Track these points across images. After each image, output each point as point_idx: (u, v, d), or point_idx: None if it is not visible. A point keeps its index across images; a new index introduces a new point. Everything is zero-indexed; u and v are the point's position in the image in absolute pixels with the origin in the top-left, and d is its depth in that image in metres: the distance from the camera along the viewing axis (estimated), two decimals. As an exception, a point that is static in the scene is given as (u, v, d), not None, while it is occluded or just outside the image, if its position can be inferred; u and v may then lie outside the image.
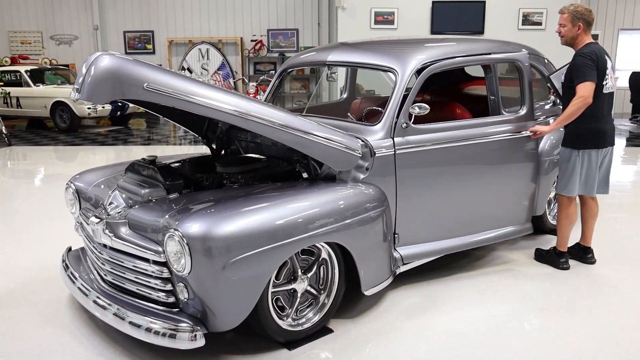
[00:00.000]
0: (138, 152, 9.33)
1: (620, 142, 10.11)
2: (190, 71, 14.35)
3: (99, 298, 2.93)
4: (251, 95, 7.77)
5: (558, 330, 3.14)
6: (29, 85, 11.75)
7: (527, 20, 11.98)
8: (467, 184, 3.72)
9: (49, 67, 13.08)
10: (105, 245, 2.94)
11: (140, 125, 12.90)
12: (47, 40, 14.93)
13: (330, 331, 3.09)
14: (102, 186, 3.42)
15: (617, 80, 11.37)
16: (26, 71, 11.94)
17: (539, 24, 11.96)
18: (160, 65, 2.98)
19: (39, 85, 11.79)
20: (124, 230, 2.86)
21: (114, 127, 12.22)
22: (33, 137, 11.01)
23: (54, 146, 9.98)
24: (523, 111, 4.05)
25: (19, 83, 11.83)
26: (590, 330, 3.14)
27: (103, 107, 11.32)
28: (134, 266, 2.80)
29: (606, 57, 3.71)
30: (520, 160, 4.02)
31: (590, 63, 3.59)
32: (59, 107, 11.36)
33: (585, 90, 3.58)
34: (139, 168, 3.26)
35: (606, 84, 3.72)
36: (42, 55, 14.60)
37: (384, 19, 12.02)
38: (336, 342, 3.00)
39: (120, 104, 11.54)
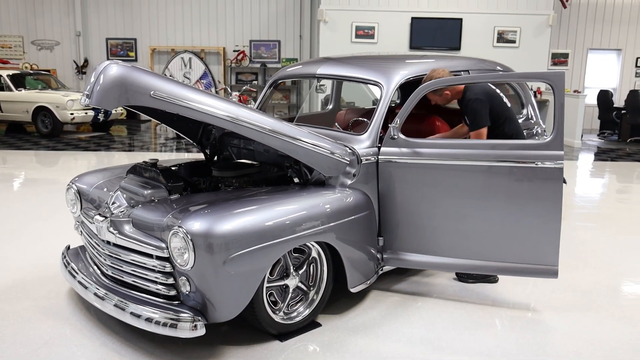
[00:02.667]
0: (120, 159, 9.44)
1: (589, 157, 10.58)
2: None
3: (99, 289, 3.11)
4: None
5: (529, 327, 3.41)
6: (10, 90, 11.76)
7: (501, 37, 12.47)
8: (453, 205, 3.51)
9: (31, 72, 13.09)
10: (108, 242, 3.12)
11: (121, 132, 12.98)
12: (28, 45, 14.92)
13: (319, 325, 3.32)
14: (104, 188, 3.59)
15: (586, 98, 11.94)
16: (8, 75, 11.94)
17: (513, 41, 12.46)
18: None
19: (20, 90, 11.81)
20: (127, 228, 3.05)
21: (95, 134, 12.28)
22: (14, 141, 11.02)
23: (35, 151, 10.02)
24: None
25: (0, 87, 11.82)
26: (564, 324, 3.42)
27: (86, 113, 11.40)
28: (136, 261, 2.99)
29: None
30: (515, 193, 3.43)
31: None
32: (41, 112, 11.39)
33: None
34: (141, 170, 3.45)
35: None
36: (22, 60, 14.60)
37: (364, 33, 12.37)
38: (324, 335, 3.22)
39: (103, 111, 11.64)
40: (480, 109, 3.66)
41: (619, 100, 13.99)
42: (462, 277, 4.05)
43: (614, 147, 11.76)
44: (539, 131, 5.18)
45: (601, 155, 10.86)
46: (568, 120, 11.69)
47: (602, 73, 14.88)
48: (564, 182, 5.97)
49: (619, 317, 3.55)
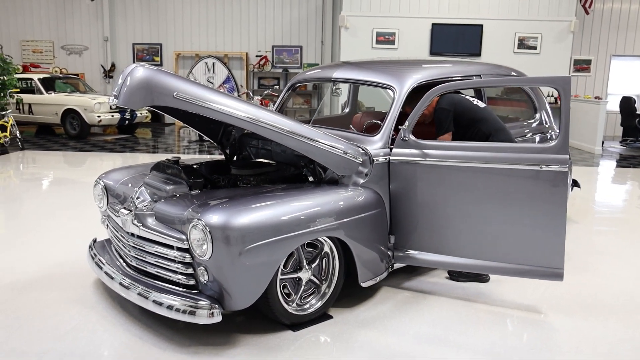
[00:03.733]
0: (144, 160, 9.71)
1: (610, 164, 10.54)
2: (196, 84, 14.75)
3: (124, 279, 3.31)
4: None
5: (539, 330, 3.51)
6: (41, 93, 12.18)
7: (522, 44, 12.50)
8: (460, 206, 3.60)
9: (60, 75, 13.52)
10: (132, 234, 3.32)
11: (145, 134, 13.30)
12: (58, 50, 15.39)
13: (330, 317, 3.47)
14: (129, 184, 3.80)
15: (609, 105, 11.90)
16: (39, 79, 12.37)
17: (534, 48, 12.48)
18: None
19: (50, 93, 12.22)
20: (150, 221, 3.24)
21: (121, 136, 12.62)
22: (44, 142, 11.40)
23: (64, 152, 10.36)
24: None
25: (31, 90, 12.26)
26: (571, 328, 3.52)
27: (112, 116, 11.74)
28: (158, 252, 3.18)
29: None
30: (526, 196, 3.48)
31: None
32: (69, 114, 11.78)
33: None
34: (164, 167, 3.65)
35: None
36: (52, 64, 15.08)
37: (385, 39, 12.52)
38: (335, 327, 3.37)
39: (129, 111, 11.99)
40: (442, 117, 3.93)
41: (642, 107, 13.86)
42: (454, 275, 4.16)
43: (636, 154, 11.68)
44: (553, 136, 5.26)
45: (623, 162, 10.80)
46: (589, 127, 11.67)
47: (625, 80, 14.77)
48: (578, 186, 6.08)
49: (624, 319, 3.63)
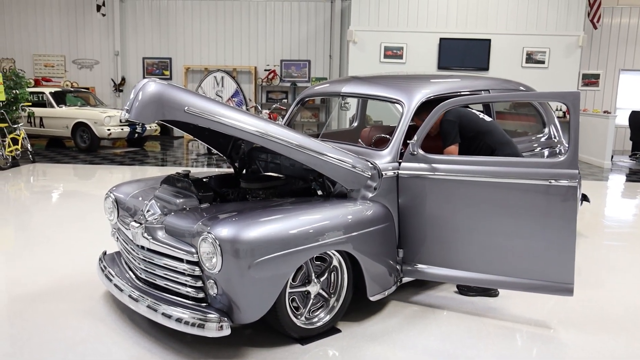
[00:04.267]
0: (153, 173, 9.77)
1: (619, 178, 10.49)
2: (205, 97, 14.86)
3: (134, 292, 3.33)
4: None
5: (549, 345, 3.49)
6: (52, 106, 12.32)
7: (530, 58, 12.53)
8: (469, 220, 3.61)
9: (71, 89, 13.67)
10: (142, 247, 3.35)
11: (154, 147, 13.39)
12: (69, 64, 15.57)
13: (339, 331, 3.47)
14: (140, 197, 3.83)
15: (617, 119, 11.87)
16: (50, 92, 12.52)
17: (542, 62, 12.51)
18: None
19: (61, 107, 12.35)
20: (160, 234, 3.27)
21: (130, 149, 12.72)
22: (54, 155, 11.50)
23: (74, 164, 10.45)
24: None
25: (42, 104, 12.40)
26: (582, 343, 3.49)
27: (122, 129, 11.84)
28: (168, 265, 3.20)
29: None
30: (535, 210, 3.47)
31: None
32: (80, 127, 11.89)
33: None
34: (174, 181, 3.68)
35: None
36: (64, 78, 15.26)
37: (393, 53, 12.58)
38: (343, 341, 3.37)
39: (140, 124, 12.09)
40: (449, 129, 3.95)
41: (651, 122, 13.80)
42: (463, 289, 4.15)
43: (646, 169, 11.62)
44: (562, 150, 5.26)
45: (632, 176, 10.75)
46: (598, 141, 11.64)
47: (634, 94, 14.73)
48: (587, 200, 6.05)
49: (635, 334, 3.60)
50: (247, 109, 14.78)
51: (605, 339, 3.50)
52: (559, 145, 5.32)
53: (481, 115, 4.17)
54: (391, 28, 12.52)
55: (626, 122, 13.33)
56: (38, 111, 12.21)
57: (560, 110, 12.46)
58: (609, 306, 4.04)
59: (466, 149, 4.00)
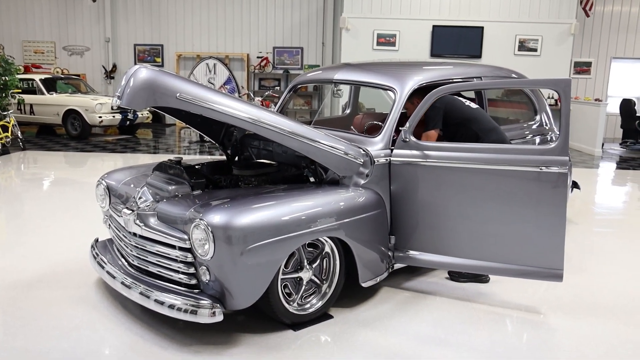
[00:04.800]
0: (145, 160, 9.74)
1: (610, 165, 10.56)
2: (197, 85, 14.78)
3: (126, 279, 3.33)
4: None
5: (539, 330, 3.53)
6: (42, 93, 12.20)
7: (523, 46, 12.53)
8: (460, 206, 3.63)
9: (62, 76, 13.55)
10: (135, 234, 3.34)
11: (146, 135, 13.32)
12: (59, 51, 15.42)
13: (331, 317, 3.49)
14: (132, 184, 3.82)
15: (609, 107, 11.92)
16: (40, 79, 12.40)
17: (535, 50, 12.51)
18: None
19: (52, 94, 12.25)
20: (153, 221, 3.26)
21: (122, 136, 12.65)
22: (45, 142, 11.43)
23: (65, 152, 10.39)
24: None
25: (32, 91, 12.28)
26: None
27: (113, 117, 11.76)
28: (160, 252, 3.20)
29: None
30: (526, 197, 3.49)
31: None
32: (71, 115, 11.80)
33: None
34: (166, 167, 3.67)
35: None
36: (54, 65, 15.11)
37: (385, 40, 12.54)
38: (335, 326, 3.39)
39: (132, 111, 12.02)
40: (432, 115, 3.93)
41: (642, 110, 13.88)
42: (454, 276, 4.18)
43: (636, 156, 11.69)
44: (553, 137, 5.28)
45: (622, 164, 10.82)
46: (589, 129, 11.70)
47: (626, 82, 14.79)
48: (578, 187, 6.10)
49: (624, 319, 3.65)
50: (239, 97, 14.71)
51: (594, 324, 3.55)
52: (550, 133, 5.34)
53: (467, 103, 4.18)
54: (384, 15, 12.46)
55: (617, 110, 13.39)
56: (28, 98, 12.09)
57: (552, 97, 12.49)
58: (599, 292, 4.08)
59: (452, 135, 4.01)
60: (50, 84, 12.53)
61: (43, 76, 12.72)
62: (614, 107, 13.47)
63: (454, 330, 3.42)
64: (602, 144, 11.81)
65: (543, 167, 3.42)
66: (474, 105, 4.21)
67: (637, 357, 3.18)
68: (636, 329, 3.51)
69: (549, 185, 3.43)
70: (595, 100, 12.84)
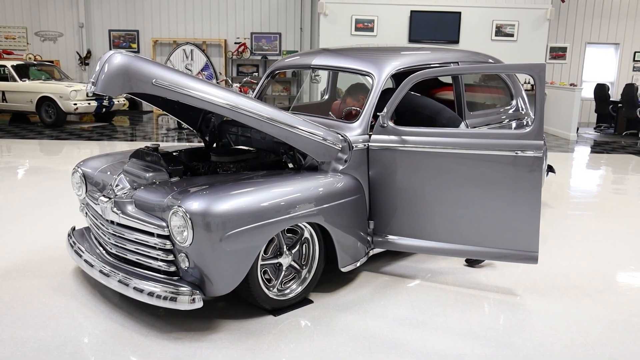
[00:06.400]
0: (122, 148, 9.59)
1: (584, 150, 10.75)
2: (174, 71, 14.61)
3: (104, 267, 3.31)
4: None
5: (515, 311, 3.61)
6: (15, 80, 11.94)
7: (499, 31, 12.62)
8: (438, 191, 3.67)
9: (34, 62, 13.27)
10: (112, 222, 3.32)
11: (123, 122, 13.15)
12: (31, 36, 15.08)
13: (311, 302, 3.52)
14: (108, 171, 3.78)
15: (583, 92, 12.10)
16: (12, 66, 12.13)
17: (511, 35, 12.61)
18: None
19: (24, 80, 11.99)
20: (130, 208, 3.24)
21: (98, 124, 12.47)
22: (18, 130, 11.21)
23: (39, 140, 10.21)
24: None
25: (4, 78, 12.02)
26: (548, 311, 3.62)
27: (89, 104, 11.58)
28: (138, 239, 3.18)
29: None
30: (502, 181, 3.55)
31: None
32: (45, 102, 11.58)
33: None
34: (143, 154, 3.64)
35: None
36: (26, 51, 14.78)
37: (364, 26, 12.52)
38: (315, 311, 3.42)
39: (107, 98, 11.84)
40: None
41: (616, 94, 14.12)
42: (471, 262, 4.25)
43: (610, 140, 11.91)
44: (529, 122, 5.35)
45: (597, 148, 11.02)
46: (564, 114, 11.86)
47: (600, 67, 15.01)
48: (553, 171, 6.20)
49: (595, 299, 3.74)
50: (217, 83, 14.58)
51: (568, 305, 3.63)
52: (526, 118, 5.41)
53: (412, 93, 4.37)
54: (362, 0, 12.42)
55: (592, 95, 13.61)
56: (0, 85, 11.83)
57: (529, 83, 12.62)
58: (573, 273, 4.18)
59: (407, 122, 4.11)
60: (23, 71, 12.27)
61: (15, 62, 12.44)
62: (588, 92, 13.68)
63: (432, 312, 3.47)
64: (577, 129, 12.00)
65: (518, 151, 3.47)
66: (416, 94, 4.44)
67: (607, 334, 3.26)
68: (607, 307, 3.61)
69: (525, 169, 3.48)
70: (571, 85, 13.02)
